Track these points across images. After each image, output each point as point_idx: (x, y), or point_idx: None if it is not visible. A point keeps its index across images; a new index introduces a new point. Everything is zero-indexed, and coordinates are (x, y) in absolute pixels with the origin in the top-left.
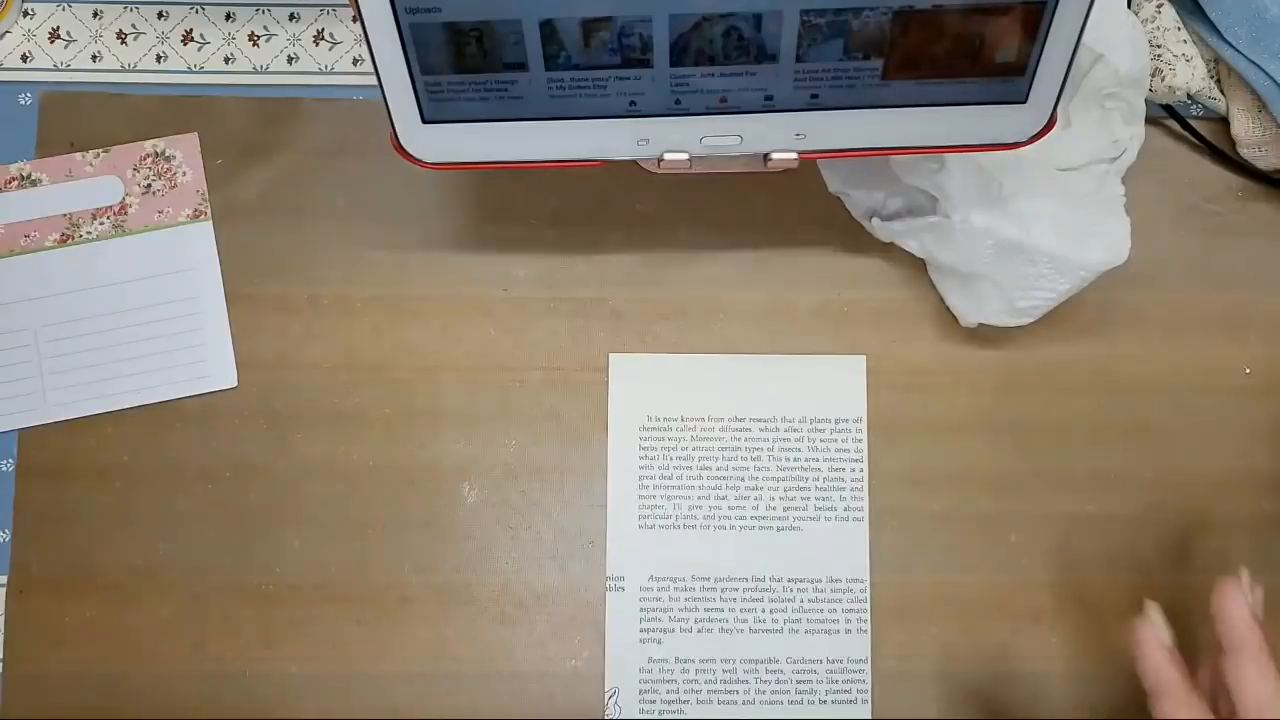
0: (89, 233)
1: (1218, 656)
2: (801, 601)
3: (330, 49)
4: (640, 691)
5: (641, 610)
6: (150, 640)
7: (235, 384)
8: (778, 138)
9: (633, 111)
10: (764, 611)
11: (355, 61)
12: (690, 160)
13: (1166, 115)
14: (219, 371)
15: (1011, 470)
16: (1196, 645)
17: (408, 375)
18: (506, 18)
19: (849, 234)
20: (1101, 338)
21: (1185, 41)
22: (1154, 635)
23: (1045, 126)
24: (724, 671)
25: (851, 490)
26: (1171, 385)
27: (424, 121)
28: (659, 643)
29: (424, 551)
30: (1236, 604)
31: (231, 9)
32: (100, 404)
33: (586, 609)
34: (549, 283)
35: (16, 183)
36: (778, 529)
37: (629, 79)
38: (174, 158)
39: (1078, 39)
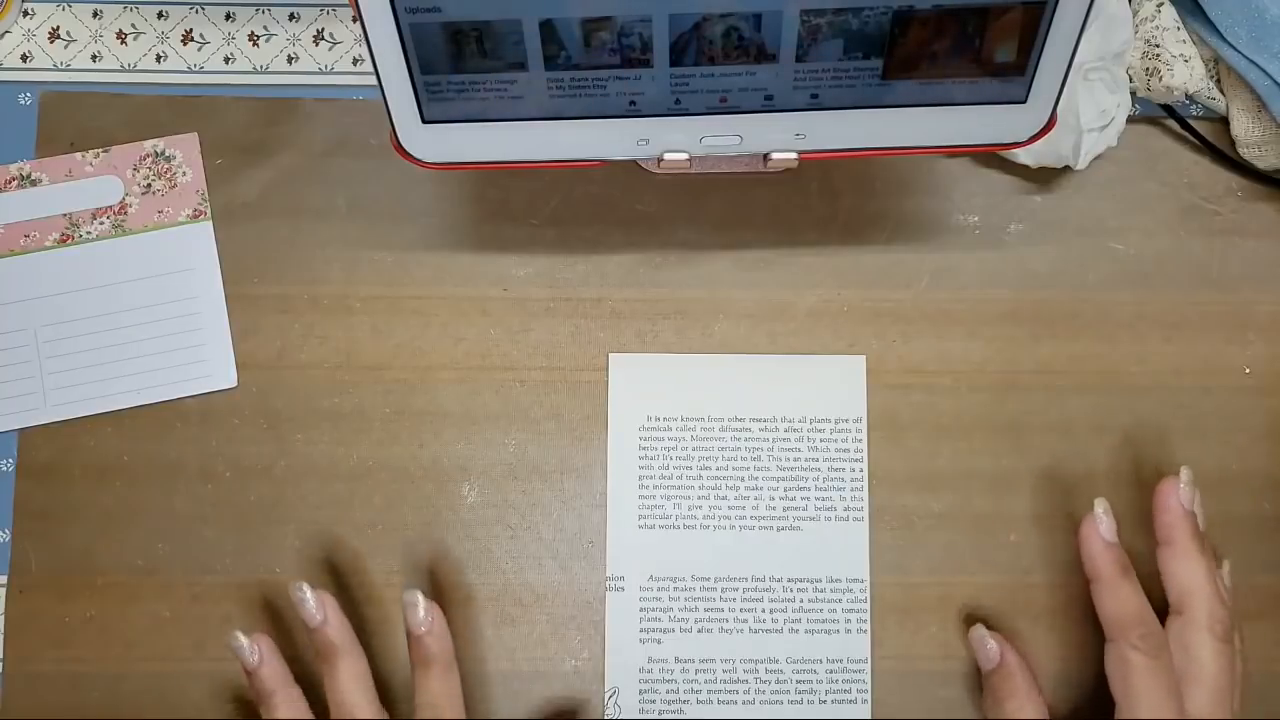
0: (89, 233)
1: (1156, 548)
2: (801, 601)
3: (330, 49)
4: (640, 691)
5: (641, 610)
6: (150, 640)
7: (235, 384)
8: (778, 138)
9: (633, 111)
10: (764, 611)
11: (355, 61)
12: (690, 160)
13: (1166, 115)
14: (219, 371)
15: (1011, 470)
16: None
17: (408, 375)
18: (506, 18)
19: (849, 234)
20: (1101, 338)
21: (1184, 41)
22: (1095, 528)
23: (1045, 126)
24: (724, 671)
25: (851, 490)
26: (1171, 385)
27: (424, 121)
28: (659, 643)
29: (424, 551)
30: (1171, 499)
31: (231, 9)
32: (100, 404)
33: (586, 609)
34: (549, 283)
35: (16, 183)
36: (778, 529)
37: (629, 79)
38: (174, 158)
39: (1078, 39)
